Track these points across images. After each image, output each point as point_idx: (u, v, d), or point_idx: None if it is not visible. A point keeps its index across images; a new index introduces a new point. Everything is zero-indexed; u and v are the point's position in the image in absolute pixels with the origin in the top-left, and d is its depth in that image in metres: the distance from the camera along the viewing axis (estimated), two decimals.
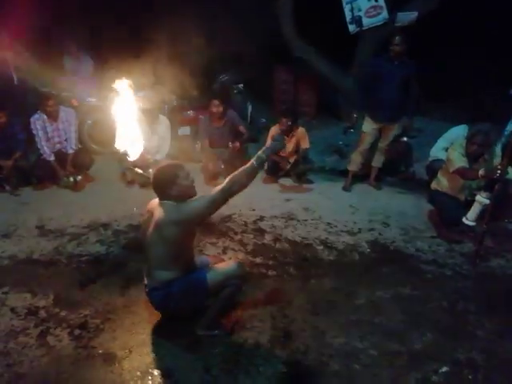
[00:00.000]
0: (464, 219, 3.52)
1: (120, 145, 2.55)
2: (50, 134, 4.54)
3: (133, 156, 2.56)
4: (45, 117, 4.47)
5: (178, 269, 2.35)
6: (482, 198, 3.37)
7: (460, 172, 3.54)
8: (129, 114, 2.50)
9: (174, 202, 2.29)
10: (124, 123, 2.50)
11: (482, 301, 2.94)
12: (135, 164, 2.74)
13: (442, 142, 4.44)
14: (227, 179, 2.16)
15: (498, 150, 3.75)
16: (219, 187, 2.18)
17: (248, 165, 2.19)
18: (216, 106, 4.63)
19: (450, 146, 4.32)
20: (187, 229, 2.30)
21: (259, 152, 2.23)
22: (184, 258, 2.39)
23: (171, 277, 2.33)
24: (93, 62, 6.03)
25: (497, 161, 3.56)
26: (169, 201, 2.30)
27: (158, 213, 2.30)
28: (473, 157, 3.58)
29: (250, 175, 2.19)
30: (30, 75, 5.22)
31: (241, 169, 2.19)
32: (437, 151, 4.43)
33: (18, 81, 5.25)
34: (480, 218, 3.41)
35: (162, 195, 2.33)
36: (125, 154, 2.55)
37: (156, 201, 2.41)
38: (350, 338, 2.55)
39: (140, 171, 2.67)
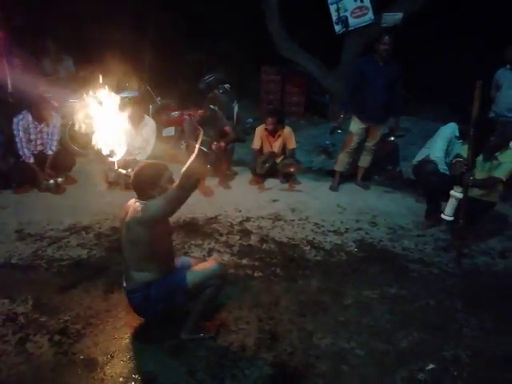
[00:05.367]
0: (442, 215, 3.55)
1: (102, 145, 2.49)
2: (33, 136, 4.41)
3: (115, 156, 2.50)
4: (30, 118, 4.34)
5: (155, 270, 2.29)
6: (454, 193, 3.40)
7: (451, 163, 3.59)
8: (112, 115, 2.44)
9: (145, 201, 2.22)
10: (106, 124, 2.44)
11: (468, 299, 2.94)
12: (118, 164, 2.67)
13: (440, 143, 4.17)
14: (182, 174, 2.06)
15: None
16: (176, 184, 2.10)
17: (196, 152, 2.11)
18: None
19: (449, 144, 4.15)
20: (152, 228, 2.18)
21: (202, 137, 2.23)
22: (160, 259, 2.32)
23: (149, 278, 2.27)
24: (73, 61, 5.90)
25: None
26: (143, 201, 2.23)
27: (129, 212, 2.24)
28: (488, 151, 3.51)
29: (202, 161, 2.15)
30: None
31: (191, 159, 2.08)
32: (438, 152, 4.13)
33: None
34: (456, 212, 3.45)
35: (142, 195, 2.26)
36: (108, 155, 2.48)
37: (132, 200, 2.34)
38: (337, 338, 2.52)
39: (123, 171, 2.60)
